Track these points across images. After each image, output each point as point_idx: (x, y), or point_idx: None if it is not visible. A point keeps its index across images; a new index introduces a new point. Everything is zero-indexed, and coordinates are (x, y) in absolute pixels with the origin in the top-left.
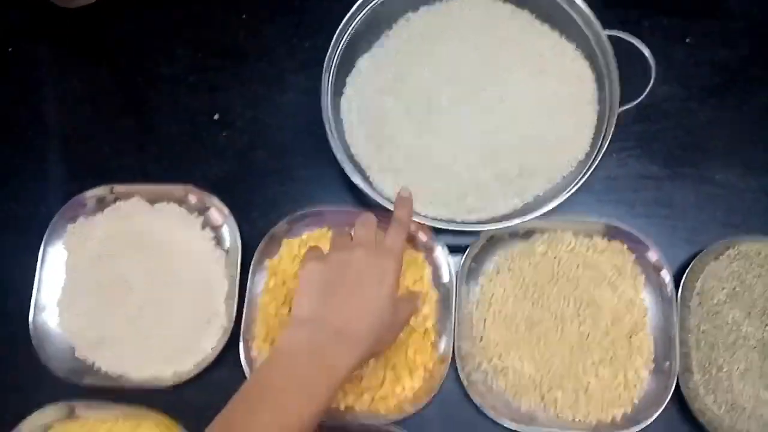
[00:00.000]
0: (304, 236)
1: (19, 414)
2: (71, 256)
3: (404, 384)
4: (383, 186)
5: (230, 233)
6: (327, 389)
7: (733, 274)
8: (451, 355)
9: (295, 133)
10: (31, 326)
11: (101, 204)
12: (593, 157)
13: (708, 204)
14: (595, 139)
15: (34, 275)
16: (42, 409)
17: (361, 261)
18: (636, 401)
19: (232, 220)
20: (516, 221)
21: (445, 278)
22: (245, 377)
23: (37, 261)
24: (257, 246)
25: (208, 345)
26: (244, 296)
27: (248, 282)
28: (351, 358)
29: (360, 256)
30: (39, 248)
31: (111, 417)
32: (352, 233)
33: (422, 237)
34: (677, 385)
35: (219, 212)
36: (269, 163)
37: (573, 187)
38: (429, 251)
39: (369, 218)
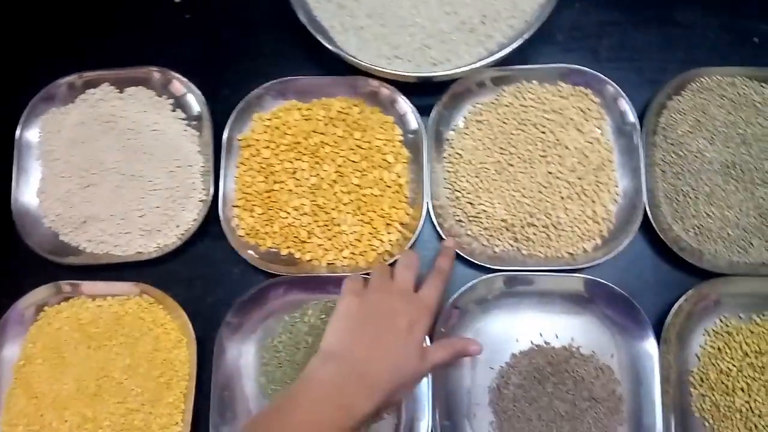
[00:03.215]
0: (275, 109)
1: (12, 296)
2: (47, 144)
3: (381, 238)
4: (348, 46)
5: (200, 108)
6: (339, 430)
7: (696, 106)
8: (425, 209)
9: (258, 9)
10: (14, 214)
11: (72, 92)
12: None
13: (670, 44)
14: None
15: (12, 166)
16: (35, 290)
17: (396, 307)
18: (606, 234)
19: (197, 91)
20: (478, 65)
21: (415, 134)
22: (229, 247)
23: (13, 152)
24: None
25: (189, 217)
26: (219, 171)
27: (222, 157)
28: (369, 403)
29: (396, 301)
30: (14, 139)
31: (101, 293)
32: (394, 273)
33: (384, 91)
34: (646, 218)
35: (180, 83)
36: (236, 41)
37: (536, 25)
38: (395, 107)
39: (412, 261)
